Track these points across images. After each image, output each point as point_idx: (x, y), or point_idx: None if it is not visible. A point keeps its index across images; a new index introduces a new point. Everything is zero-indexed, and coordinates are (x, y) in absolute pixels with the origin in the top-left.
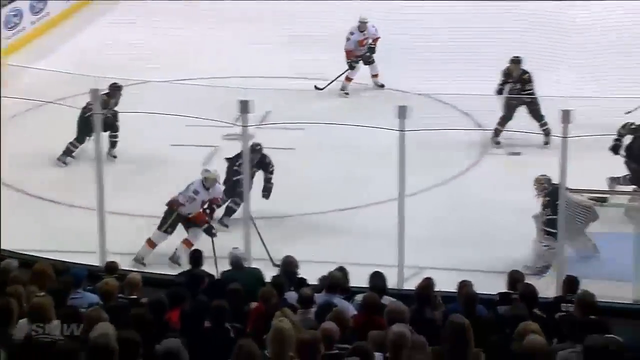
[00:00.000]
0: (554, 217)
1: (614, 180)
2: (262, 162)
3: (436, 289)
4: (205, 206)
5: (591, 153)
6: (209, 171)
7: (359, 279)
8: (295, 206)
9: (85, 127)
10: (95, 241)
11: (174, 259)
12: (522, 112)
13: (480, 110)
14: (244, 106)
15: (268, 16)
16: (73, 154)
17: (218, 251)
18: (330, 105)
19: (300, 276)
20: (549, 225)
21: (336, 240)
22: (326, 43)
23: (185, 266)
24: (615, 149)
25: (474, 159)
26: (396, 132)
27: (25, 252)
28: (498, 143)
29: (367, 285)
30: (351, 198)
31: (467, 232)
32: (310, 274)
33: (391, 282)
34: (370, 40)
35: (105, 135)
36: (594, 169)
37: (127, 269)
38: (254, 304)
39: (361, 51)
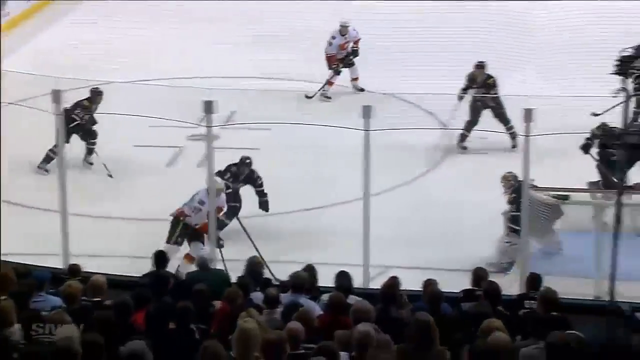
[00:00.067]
0: (518, 213)
1: (593, 185)
2: (250, 177)
3: (402, 287)
4: None
5: (555, 153)
6: (215, 181)
7: (325, 278)
8: None
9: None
10: (58, 243)
11: (177, 275)
12: (488, 116)
13: (444, 109)
14: (209, 106)
15: (232, 16)
16: (53, 160)
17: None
18: (296, 105)
19: (265, 276)
20: (513, 221)
21: (302, 240)
22: (291, 43)
23: None
24: (585, 148)
25: (438, 159)
26: (362, 132)
27: None
28: (464, 148)
29: (333, 285)
30: (317, 198)
31: (431, 231)
32: (277, 274)
33: (357, 282)
34: (351, 44)
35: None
36: (561, 168)
37: (90, 271)
38: (218, 304)
39: (342, 54)
